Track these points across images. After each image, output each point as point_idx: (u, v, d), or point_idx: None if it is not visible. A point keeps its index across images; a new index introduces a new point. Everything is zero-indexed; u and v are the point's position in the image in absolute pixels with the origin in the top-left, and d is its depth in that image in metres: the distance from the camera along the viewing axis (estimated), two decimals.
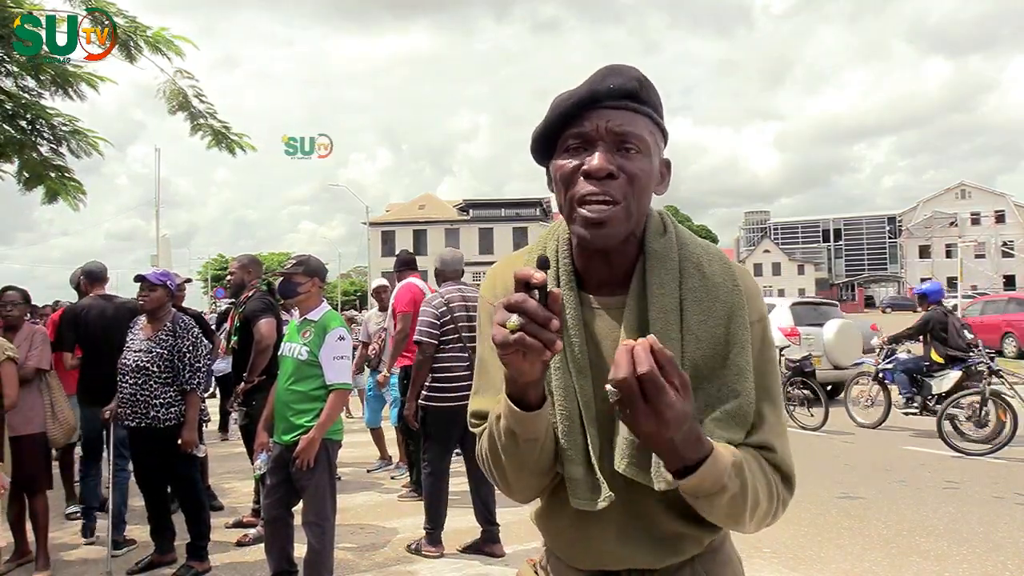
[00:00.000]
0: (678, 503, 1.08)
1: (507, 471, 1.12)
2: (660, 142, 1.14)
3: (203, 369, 4.28)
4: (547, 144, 1.14)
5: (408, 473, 6.31)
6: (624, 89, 1.09)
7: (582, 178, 1.07)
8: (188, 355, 4.14)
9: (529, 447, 1.06)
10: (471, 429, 1.23)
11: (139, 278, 4.23)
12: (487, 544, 4.54)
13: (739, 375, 1.09)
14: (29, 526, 4.43)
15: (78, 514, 5.40)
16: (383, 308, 6.91)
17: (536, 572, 1.30)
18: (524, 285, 0.91)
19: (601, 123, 1.08)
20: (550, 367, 1.11)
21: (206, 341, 5.79)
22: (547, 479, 1.15)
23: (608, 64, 1.12)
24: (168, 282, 4.26)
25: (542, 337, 0.90)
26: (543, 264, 0.94)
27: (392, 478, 6.74)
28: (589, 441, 1.11)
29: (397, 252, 6.59)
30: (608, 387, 0.92)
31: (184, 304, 6.15)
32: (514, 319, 0.90)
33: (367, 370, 7.42)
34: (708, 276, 1.14)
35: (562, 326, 0.93)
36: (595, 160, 1.06)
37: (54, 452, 5.04)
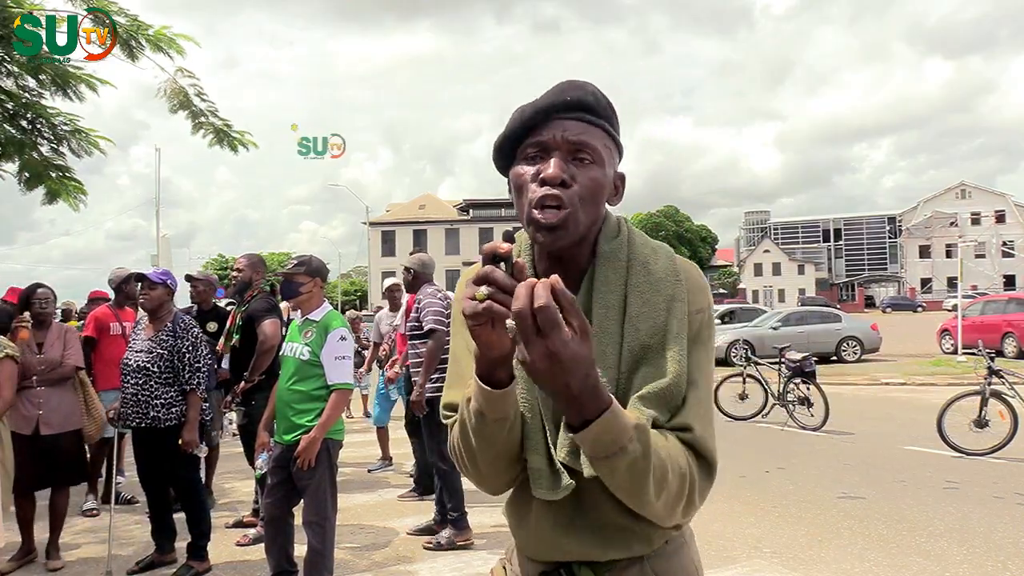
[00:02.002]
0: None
1: (477, 456, 1.14)
2: (615, 155, 1.21)
3: (204, 369, 4.29)
4: (508, 153, 1.20)
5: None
6: (581, 102, 1.16)
7: (537, 184, 1.13)
8: (188, 355, 4.15)
9: (498, 427, 1.09)
10: (443, 421, 1.25)
11: (140, 276, 4.26)
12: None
13: (672, 360, 1.15)
14: (35, 526, 4.45)
15: (95, 510, 5.51)
16: (394, 308, 6.74)
17: (505, 568, 1.34)
18: (491, 257, 0.95)
19: (558, 133, 1.14)
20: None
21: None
22: (516, 468, 1.18)
23: (567, 79, 1.20)
24: (168, 281, 4.27)
25: (509, 304, 0.92)
26: (509, 237, 1.00)
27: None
28: (548, 432, 1.15)
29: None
30: (507, 322, 0.93)
31: (181, 305, 6.13)
32: (483, 290, 0.93)
33: (376, 369, 7.40)
34: (653, 272, 1.20)
35: None
36: (551, 168, 1.12)
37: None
